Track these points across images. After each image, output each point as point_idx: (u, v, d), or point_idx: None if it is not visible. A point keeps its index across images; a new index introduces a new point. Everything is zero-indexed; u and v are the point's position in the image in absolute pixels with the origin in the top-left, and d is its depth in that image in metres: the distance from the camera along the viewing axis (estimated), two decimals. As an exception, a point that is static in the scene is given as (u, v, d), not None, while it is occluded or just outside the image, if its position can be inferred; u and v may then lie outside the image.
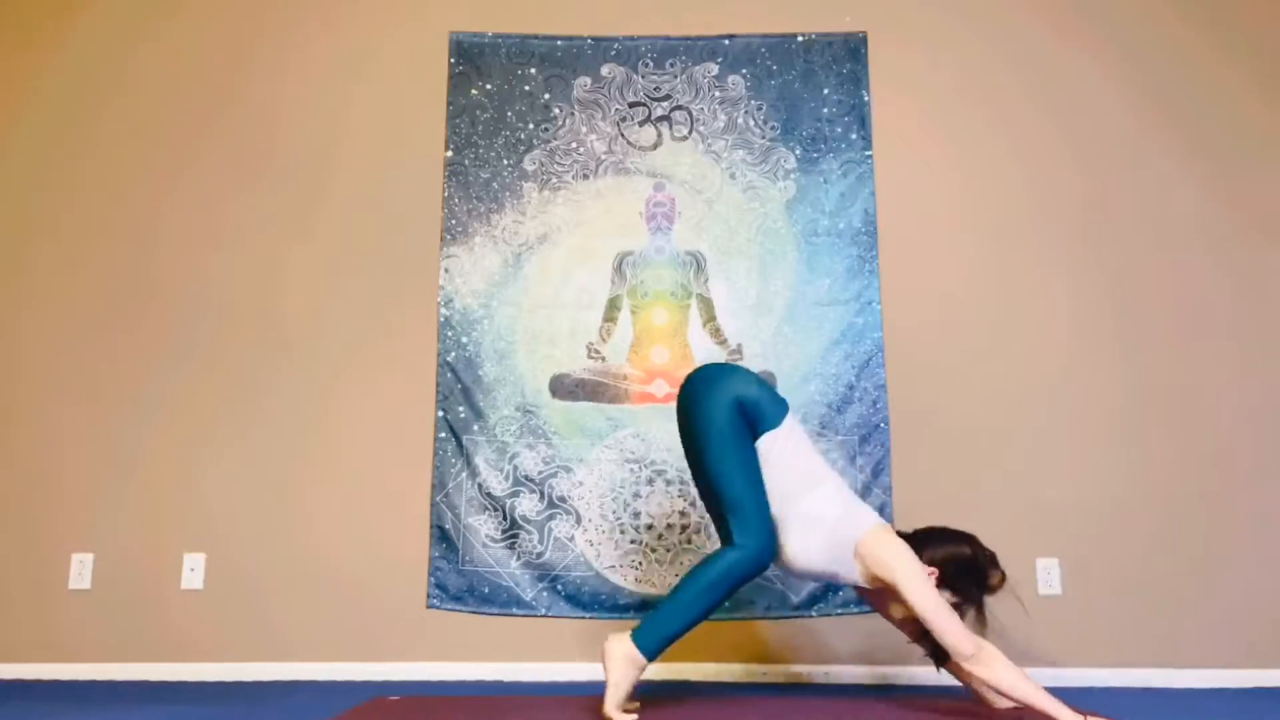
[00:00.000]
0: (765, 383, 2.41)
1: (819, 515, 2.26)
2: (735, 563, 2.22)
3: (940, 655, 2.28)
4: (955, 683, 2.86)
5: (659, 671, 2.95)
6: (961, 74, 3.34)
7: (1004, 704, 2.34)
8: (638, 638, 2.21)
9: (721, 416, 2.27)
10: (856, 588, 2.36)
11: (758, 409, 2.29)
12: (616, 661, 2.20)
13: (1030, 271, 3.20)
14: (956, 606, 2.27)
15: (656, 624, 2.23)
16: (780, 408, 2.33)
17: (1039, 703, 2.07)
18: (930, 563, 2.27)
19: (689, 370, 3.12)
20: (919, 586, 2.19)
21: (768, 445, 2.29)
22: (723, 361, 2.86)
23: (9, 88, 3.39)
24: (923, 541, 2.31)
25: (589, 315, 3.20)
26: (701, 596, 2.22)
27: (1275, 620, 2.94)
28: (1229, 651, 2.91)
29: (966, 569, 2.29)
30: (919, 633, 2.31)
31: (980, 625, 2.27)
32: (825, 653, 2.98)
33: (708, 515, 3.05)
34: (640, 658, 2.20)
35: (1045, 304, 3.17)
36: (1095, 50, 3.32)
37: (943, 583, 2.27)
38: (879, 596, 2.38)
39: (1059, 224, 3.22)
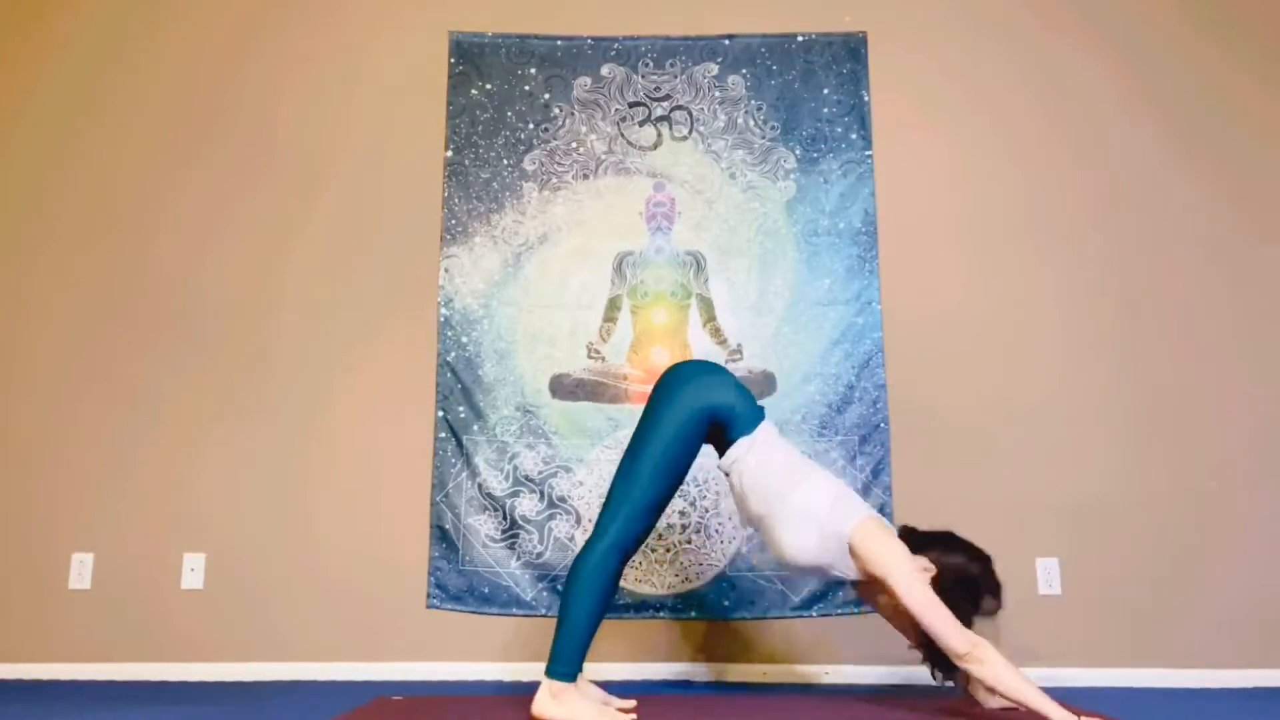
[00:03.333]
0: (744, 389, 2.35)
1: (811, 509, 2.23)
2: (602, 550, 2.21)
3: (939, 663, 2.25)
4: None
5: (660, 672, 2.95)
6: (961, 73, 3.34)
7: (995, 703, 2.33)
8: (550, 670, 2.18)
9: (683, 420, 2.24)
10: (854, 583, 2.33)
11: (732, 414, 2.27)
12: (550, 705, 2.16)
13: (1030, 271, 3.20)
14: None
15: (558, 648, 2.20)
16: (756, 414, 2.31)
17: (1036, 703, 2.04)
18: (934, 562, 2.24)
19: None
20: (911, 582, 2.15)
21: (744, 449, 2.27)
22: (708, 362, 2.53)
23: (5, 87, 3.38)
24: (935, 541, 2.28)
25: (589, 315, 3.20)
26: (586, 598, 2.20)
27: (1273, 620, 2.94)
28: (1229, 651, 2.91)
29: (966, 585, 2.23)
30: (919, 639, 2.27)
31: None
32: (825, 653, 2.98)
33: (710, 514, 3.05)
34: (560, 684, 2.17)
35: (1045, 303, 3.17)
36: (1095, 49, 3.32)
37: (935, 585, 2.21)
38: (870, 590, 2.35)
39: (1059, 223, 3.22)
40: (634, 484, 2.24)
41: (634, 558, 3.02)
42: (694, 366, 2.39)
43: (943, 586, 2.20)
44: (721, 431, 2.29)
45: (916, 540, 2.28)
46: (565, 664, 2.18)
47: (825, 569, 2.28)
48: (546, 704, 2.16)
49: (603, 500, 2.33)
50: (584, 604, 2.19)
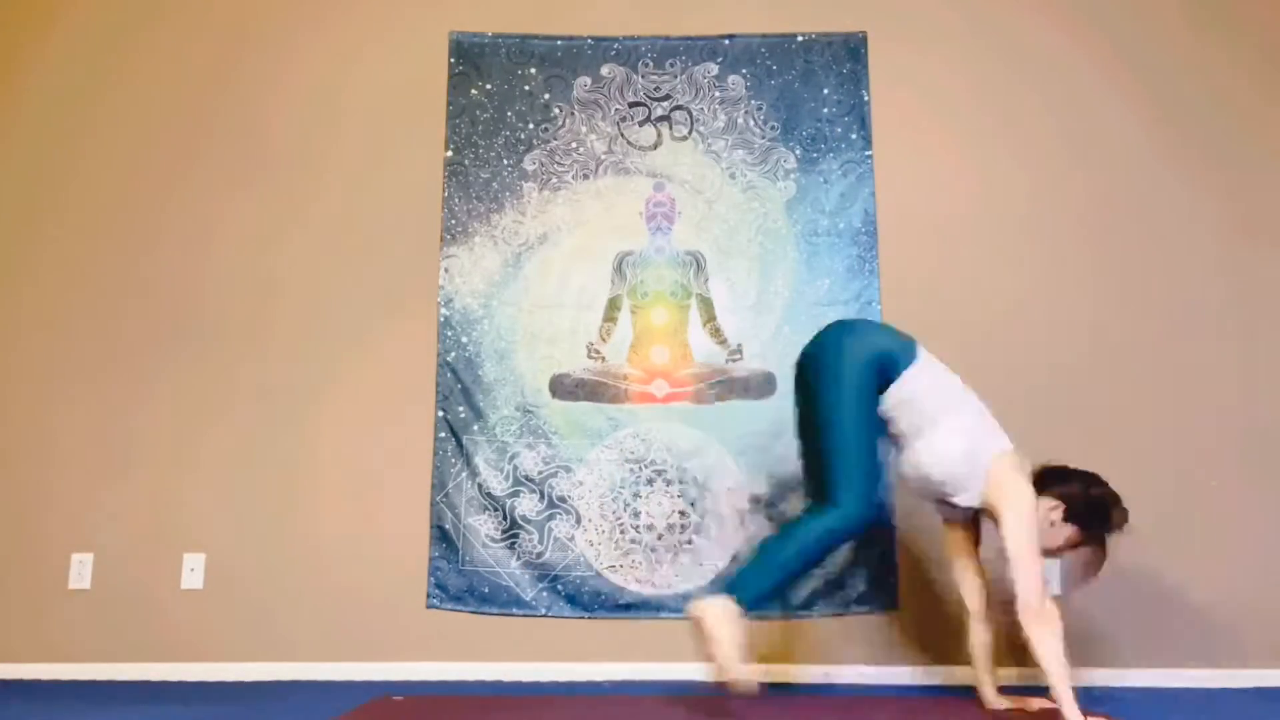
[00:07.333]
0: (896, 331, 2.48)
1: (964, 428, 2.33)
2: (834, 525, 2.24)
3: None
4: (955, 682, 2.86)
5: (660, 672, 2.95)
6: (961, 73, 3.33)
7: (998, 704, 2.39)
8: (734, 590, 2.22)
9: (856, 369, 2.31)
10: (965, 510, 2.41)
11: (891, 357, 2.34)
12: (716, 617, 2.17)
13: (1030, 270, 3.19)
14: (1080, 543, 2.36)
15: (752, 578, 2.24)
16: (912, 345, 2.40)
17: (1058, 690, 2.12)
18: (1059, 498, 2.33)
19: (689, 370, 3.15)
20: (1020, 523, 2.23)
21: (911, 378, 2.33)
22: (846, 322, 2.64)
23: (3, 85, 3.38)
24: (1051, 476, 2.37)
25: (589, 315, 3.20)
26: (798, 557, 2.25)
27: (1274, 620, 2.94)
28: (1229, 651, 2.91)
29: (1092, 505, 2.33)
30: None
31: (1098, 560, 2.39)
32: (825, 653, 2.98)
33: (710, 514, 3.06)
34: (736, 609, 2.19)
35: (1045, 302, 3.17)
36: (1095, 48, 3.32)
37: (1068, 516, 2.32)
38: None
39: (1059, 222, 3.22)
40: (834, 445, 2.29)
41: (634, 557, 3.04)
42: (846, 322, 2.55)
43: (1073, 513, 2.32)
44: (884, 375, 2.34)
45: (1037, 481, 2.36)
46: (749, 595, 2.22)
47: (952, 485, 2.34)
48: (712, 607, 2.18)
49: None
50: (796, 560, 2.26)
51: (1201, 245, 3.18)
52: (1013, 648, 2.48)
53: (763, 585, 2.24)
